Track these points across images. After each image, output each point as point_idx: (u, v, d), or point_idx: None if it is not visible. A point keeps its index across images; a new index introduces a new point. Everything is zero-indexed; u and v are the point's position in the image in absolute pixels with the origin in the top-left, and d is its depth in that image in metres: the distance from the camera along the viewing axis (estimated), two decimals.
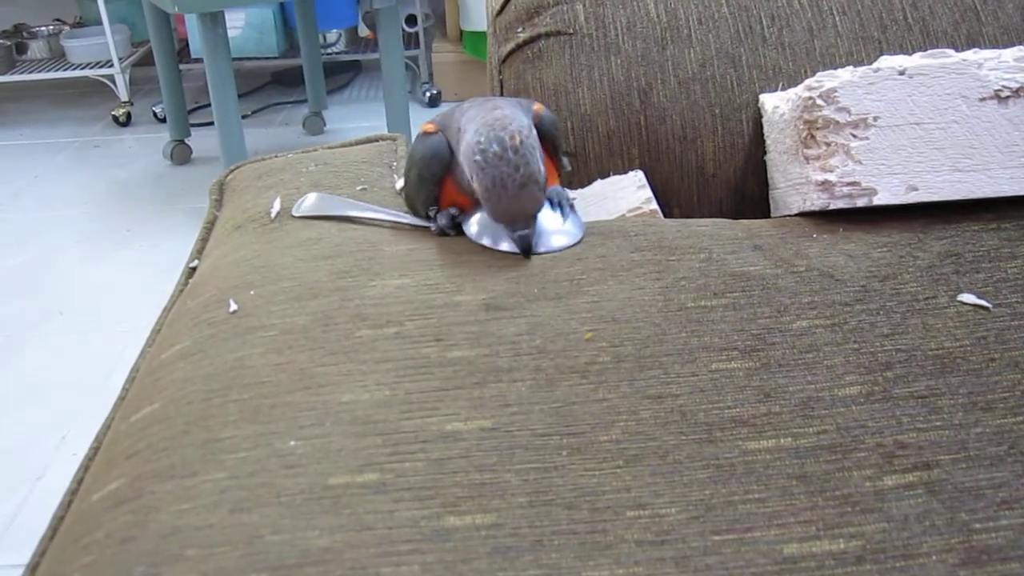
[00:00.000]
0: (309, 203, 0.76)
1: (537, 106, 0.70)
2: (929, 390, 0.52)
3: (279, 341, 0.57)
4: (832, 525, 0.44)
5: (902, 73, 0.68)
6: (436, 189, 0.68)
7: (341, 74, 3.03)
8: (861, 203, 0.68)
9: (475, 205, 0.67)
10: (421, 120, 0.77)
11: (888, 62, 0.69)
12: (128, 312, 1.68)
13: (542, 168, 0.62)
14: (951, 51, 0.70)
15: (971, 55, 0.69)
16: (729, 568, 0.42)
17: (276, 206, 0.77)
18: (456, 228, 0.69)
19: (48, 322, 1.68)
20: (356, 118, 2.69)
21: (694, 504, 0.45)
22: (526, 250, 0.64)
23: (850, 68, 0.70)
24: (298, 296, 0.62)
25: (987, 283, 0.61)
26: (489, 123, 0.62)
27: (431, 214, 0.70)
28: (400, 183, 0.79)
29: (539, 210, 0.64)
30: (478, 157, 0.61)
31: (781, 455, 0.48)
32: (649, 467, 0.47)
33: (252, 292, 0.63)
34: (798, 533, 0.44)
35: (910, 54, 0.71)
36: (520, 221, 0.63)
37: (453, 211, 0.69)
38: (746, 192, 0.83)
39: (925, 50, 0.71)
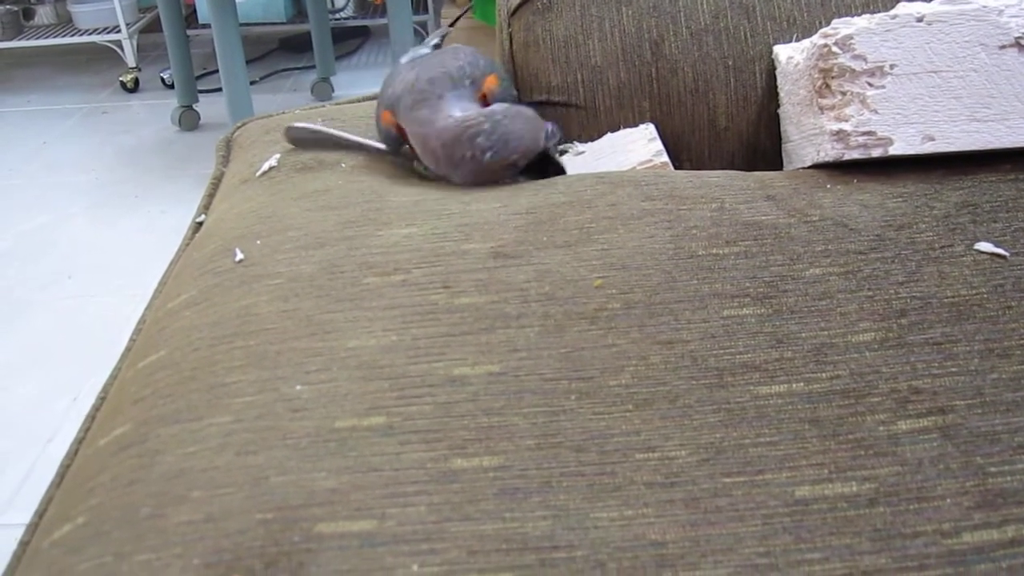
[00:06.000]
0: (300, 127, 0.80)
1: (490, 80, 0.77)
2: (944, 337, 0.51)
3: (285, 289, 0.57)
4: (845, 468, 0.44)
5: (920, 20, 0.67)
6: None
7: (349, 40, 3.00)
8: (876, 153, 0.66)
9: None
10: None
11: (906, 8, 0.67)
12: (136, 276, 1.68)
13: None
14: None
15: (991, 2, 0.67)
16: (739, 510, 0.42)
17: (271, 162, 0.76)
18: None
19: (57, 286, 1.68)
20: (365, 84, 2.66)
21: (704, 447, 0.45)
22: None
23: (867, 15, 0.68)
24: (305, 245, 0.61)
25: (1004, 232, 0.60)
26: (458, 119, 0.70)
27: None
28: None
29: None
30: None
31: (793, 400, 0.47)
32: (659, 411, 0.47)
33: (258, 242, 0.63)
34: (810, 476, 0.43)
35: (928, 1, 0.69)
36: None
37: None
38: (758, 146, 0.82)
39: None
